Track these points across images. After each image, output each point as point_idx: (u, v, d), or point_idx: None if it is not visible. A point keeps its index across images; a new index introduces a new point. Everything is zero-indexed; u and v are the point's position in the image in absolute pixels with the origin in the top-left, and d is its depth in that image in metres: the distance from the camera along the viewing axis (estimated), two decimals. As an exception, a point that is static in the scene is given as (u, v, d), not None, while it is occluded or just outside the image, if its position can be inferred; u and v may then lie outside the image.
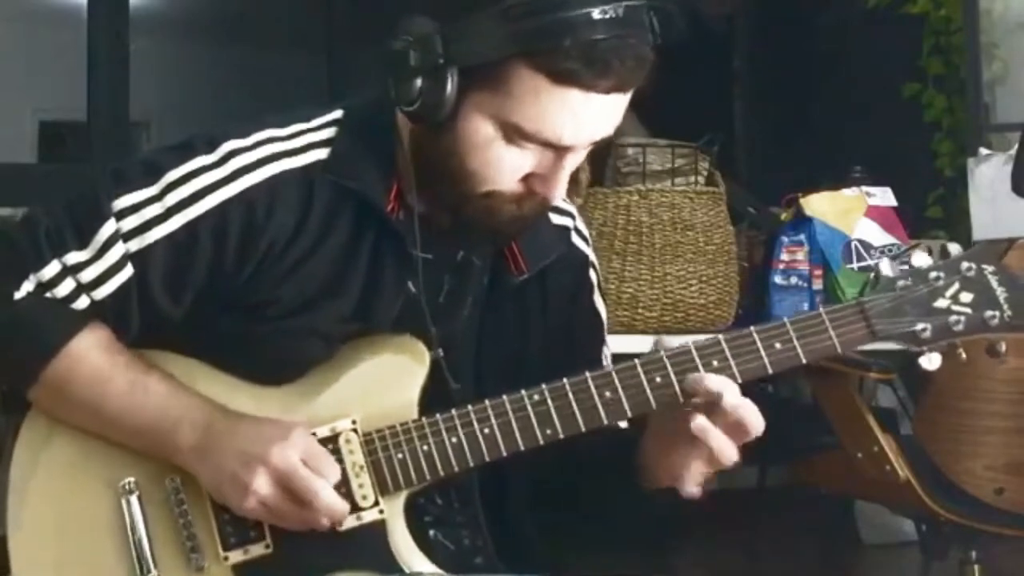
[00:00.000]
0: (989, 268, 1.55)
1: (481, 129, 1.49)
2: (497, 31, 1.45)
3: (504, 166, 1.51)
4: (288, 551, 1.52)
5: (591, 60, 1.44)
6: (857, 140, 5.06)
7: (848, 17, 5.38)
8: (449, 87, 1.47)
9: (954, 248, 1.57)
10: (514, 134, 1.49)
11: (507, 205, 1.53)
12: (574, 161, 1.53)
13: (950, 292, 1.54)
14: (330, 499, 1.48)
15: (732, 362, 1.52)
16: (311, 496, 1.47)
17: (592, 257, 1.73)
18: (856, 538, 4.45)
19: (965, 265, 1.55)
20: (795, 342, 1.52)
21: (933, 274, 1.54)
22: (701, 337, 1.54)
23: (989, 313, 1.54)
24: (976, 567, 2.92)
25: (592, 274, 1.73)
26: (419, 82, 1.48)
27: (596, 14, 1.43)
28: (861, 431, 2.77)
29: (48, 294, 1.53)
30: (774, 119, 6.07)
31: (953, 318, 1.53)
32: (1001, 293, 1.54)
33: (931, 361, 1.55)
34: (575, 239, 1.71)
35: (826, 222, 2.96)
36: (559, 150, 1.50)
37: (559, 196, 1.54)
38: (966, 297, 1.54)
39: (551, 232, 1.67)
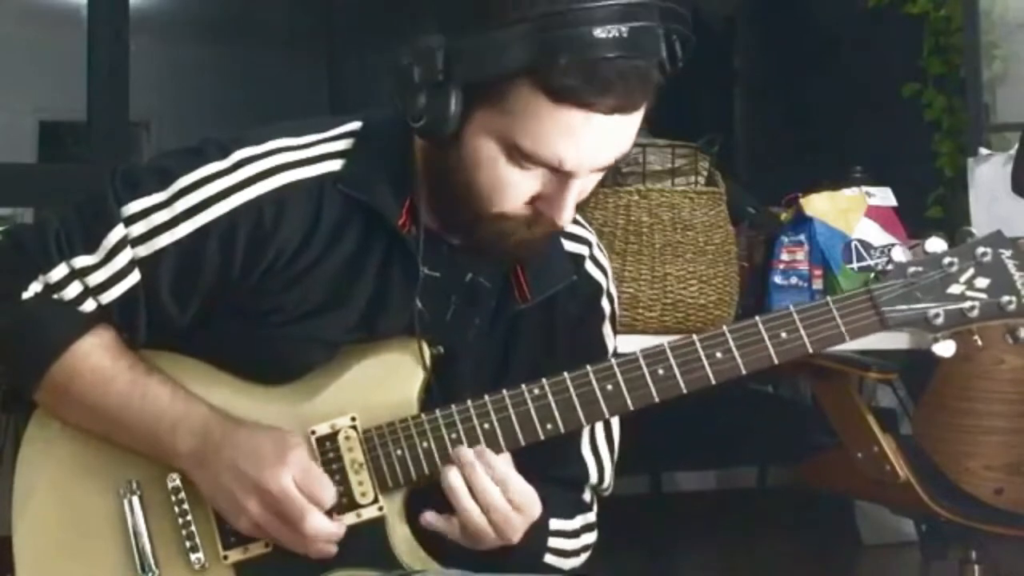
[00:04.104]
0: (1006, 253, 1.52)
1: (485, 148, 1.47)
2: (499, 48, 1.42)
3: (509, 188, 1.48)
4: (288, 550, 1.51)
5: (590, 77, 1.41)
6: (857, 140, 5.07)
7: (848, 17, 5.38)
8: (453, 105, 1.45)
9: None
10: (516, 154, 1.46)
11: (519, 228, 1.51)
12: (582, 186, 1.49)
13: (965, 278, 1.51)
14: (319, 525, 1.48)
15: (736, 353, 1.51)
16: (300, 520, 1.48)
17: (608, 286, 1.70)
18: (856, 538, 4.46)
19: (981, 250, 1.52)
20: (801, 331, 1.51)
21: (947, 260, 1.52)
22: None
23: (1006, 298, 1.51)
24: (976, 567, 2.93)
25: (605, 304, 1.69)
26: (424, 98, 1.46)
27: (599, 32, 1.40)
28: (861, 431, 2.77)
29: (55, 296, 1.53)
30: (774, 119, 6.07)
31: (968, 304, 1.51)
32: (1019, 278, 1.51)
33: (944, 348, 1.53)
34: (590, 267, 1.68)
35: (826, 222, 2.95)
36: (563, 174, 1.47)
37: (567, 220, 1.50)
38: (982, 282, 1.51)
39: (561, 260, 1.65)
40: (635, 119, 1.48)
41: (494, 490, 1.49)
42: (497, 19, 1.42)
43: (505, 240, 1.52)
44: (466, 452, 1.50)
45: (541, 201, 1.49)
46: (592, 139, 1.45)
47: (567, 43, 1.40)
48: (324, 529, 1.49)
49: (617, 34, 1.41)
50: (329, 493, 1.49)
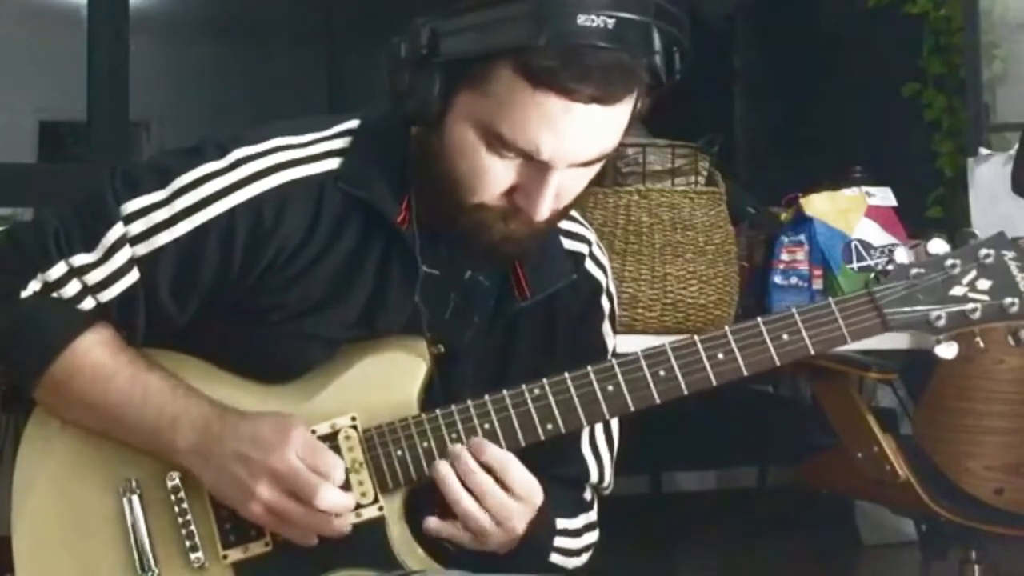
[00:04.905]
0: (1009, 254, 1.51)
1: (467, 134, 1.47)
2: (483, 27, 1.43)
3: (487, 176, 1.48)
4: (288, 549, 1.52)
5: (569, 62, 1.41)
6: (857, 140, 5.07)
7: (848, 17, 5.38)
8: (436, 83, 1.46)
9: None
10: (495, 141, 1.46)
11: (497, 222, 1.50)
12: (562, 183, 1.48)
13: (967, 279, 1.51)
14: (332, 497, 1.48)
15: (738, 354, 1.51)
16: (312, 494, 1.47)
17: (608, 285, 1.69)
18: (856, 538, 4.46)
19: (983, 252, 1.52)
20: (803, 333, 1.51)
21: (949, 261, 1.52)
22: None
23: (1008, 300, 1.51)
24: (976, 567, 2.93)
25: (605, 302, 1.69)
26: (408, 76, 1.48)
27: (582, 19, 1.40)
28: (861, 431, 2.78)
29: (54, 294, 1.53)
30: (774, 119, 6.07)
31: (970, 306, 1.51)
32: (1022, 280, 1.51)
33: (947, 350, 1.52)
34: (589, 265, 1.68)
35: (826, 222, 2.95)
36: (541, 166, 1.46)
37: (542, 215, 1.49)
38: (984, 284, 1.51)
39: (561, 258, 1.64)
40: (616, 114, 1.46)
41: (484, 476, 1.49)
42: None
43: (485, 233, 1.51)
44: (455, 446, 1.50)
45: (518, 193, 1.49)
46: (570, 129, 1.44)
47: (549, 26, 1.40)
48: (338, 501, 1.48)
49: (602, 24, 1.41)
50: (337, 465, 1.49)
